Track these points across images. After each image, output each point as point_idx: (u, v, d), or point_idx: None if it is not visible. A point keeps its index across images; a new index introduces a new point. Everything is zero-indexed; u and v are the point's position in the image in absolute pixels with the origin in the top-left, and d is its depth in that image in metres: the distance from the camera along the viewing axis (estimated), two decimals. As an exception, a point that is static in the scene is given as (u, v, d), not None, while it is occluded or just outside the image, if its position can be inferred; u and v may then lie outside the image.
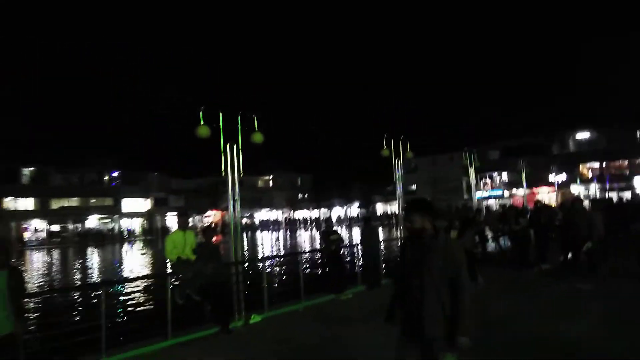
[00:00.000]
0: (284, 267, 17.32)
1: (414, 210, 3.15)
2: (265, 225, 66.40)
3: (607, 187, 40.21)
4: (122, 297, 13.30)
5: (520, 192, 30.94)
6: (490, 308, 7.34)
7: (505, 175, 50.05)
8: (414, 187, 57.73)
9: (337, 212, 70.79)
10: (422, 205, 3.20)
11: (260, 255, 26.14)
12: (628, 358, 4.85)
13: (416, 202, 3.24)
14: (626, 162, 43.76)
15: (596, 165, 45.34)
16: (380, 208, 64.55)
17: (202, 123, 7.86)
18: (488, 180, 52.16)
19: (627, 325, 6.02)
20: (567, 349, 5.21)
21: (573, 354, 5.03)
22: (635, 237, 14.06)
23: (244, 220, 64.36)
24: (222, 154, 8.23)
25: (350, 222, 60.17)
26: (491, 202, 42.42)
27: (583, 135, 44.39)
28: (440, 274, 2.95)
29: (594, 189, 41.93)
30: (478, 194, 30.97)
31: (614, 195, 28.02)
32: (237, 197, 8.38)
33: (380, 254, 11.00)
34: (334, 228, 11.09)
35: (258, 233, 56.68)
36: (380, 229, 33.20)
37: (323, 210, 69.20)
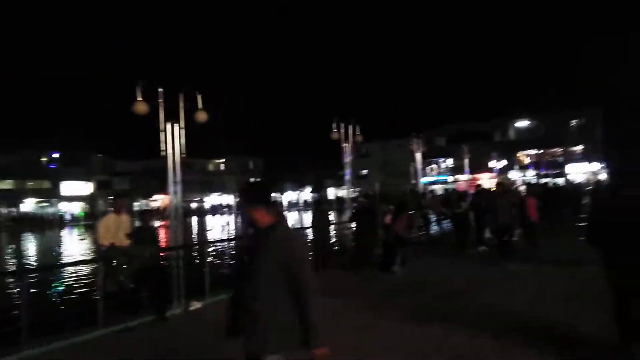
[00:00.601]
0: (229, 252, 17.03)
1: (247, 196, 2.57)
2: (216, 209, 65.33)
3: (542, 173, 42.77)
4: (50, 285, 12.55)
5: (463, 177, 32.24)
6: (430, 288, 7.59)
7: (450, 161, 51.90)
8: (365, 171, 58.67)
9: (290, 196, 70.75)
10: (255, 190, 2.64)
11: (207, 239, 25.58)
12: (560, 328, 5.15)
13: (249, 187, 2.70)
14: (561, 150, 46.63)
15: (533, 152, 47.99)
16: (332, 192, 65.17)
17: (139, 99, 7.48)
18: (434, 166, 53.90)
19: (558, 301, 6.40)
20: (501, 320, 5.49)
21: (508, 326, 5.26)
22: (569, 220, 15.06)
23: (193, 205, 62.95)
24: (164, 134, 7.90)
25: (299, 206, 60.36)
26: (437, 187, 43.88)
27: (523, 123, 46.71)
28: (277, 273, 2.40)
29: (531, 175, 44.45)
30: (424, 179, 31.93)
31: (548, 181, 29.79)
32: (178, 179, 8.08)
33: (330, 237, 11.16)
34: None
35: (208, 217, 55.64)
36: (331, 213, 33.50)
37: (275, 194, 68.87)
